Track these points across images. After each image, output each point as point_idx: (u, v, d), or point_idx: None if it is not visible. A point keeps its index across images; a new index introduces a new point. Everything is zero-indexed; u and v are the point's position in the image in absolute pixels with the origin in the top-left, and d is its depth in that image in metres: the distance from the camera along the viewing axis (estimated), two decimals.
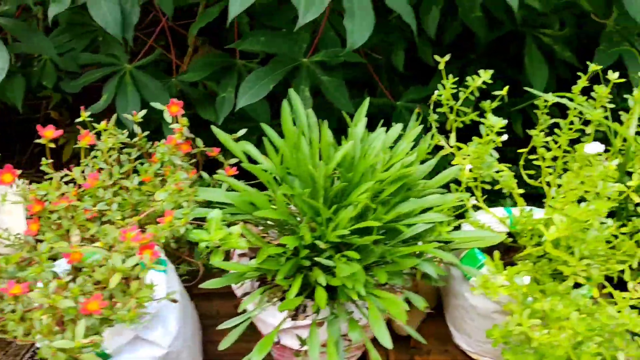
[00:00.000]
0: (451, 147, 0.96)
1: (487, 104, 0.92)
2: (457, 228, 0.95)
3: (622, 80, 0.96)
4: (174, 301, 0.81)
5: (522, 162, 1.03)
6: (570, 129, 0.92)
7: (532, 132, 1.00)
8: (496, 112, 0.94)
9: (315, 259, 0.83)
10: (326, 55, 1.21)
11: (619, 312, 0.78)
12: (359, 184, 0.84)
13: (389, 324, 1.08)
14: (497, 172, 0.96)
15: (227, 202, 0.88)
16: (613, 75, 0.89)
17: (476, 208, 0.98)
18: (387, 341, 0.80)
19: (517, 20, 1.30)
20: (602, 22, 1.38)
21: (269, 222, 0.91)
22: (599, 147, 0.79)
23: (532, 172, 1.04)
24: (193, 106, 1.37)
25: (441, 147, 1.01)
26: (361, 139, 0.94)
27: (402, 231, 0.85)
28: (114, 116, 1.00)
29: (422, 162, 0.91)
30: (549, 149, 0.97)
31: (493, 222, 0.98)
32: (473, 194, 0.97)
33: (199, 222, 0.93)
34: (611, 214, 1.02)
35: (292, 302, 0.79)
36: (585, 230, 0.83)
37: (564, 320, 0.75)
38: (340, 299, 0.84)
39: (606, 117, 0.91)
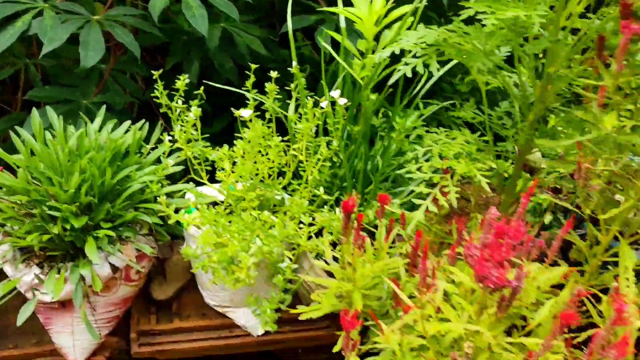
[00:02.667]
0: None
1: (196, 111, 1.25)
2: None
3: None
4: None
5: None
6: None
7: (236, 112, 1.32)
8: None
9: (49, 212, 1.07)
10: (103, 98, 1.53)
11: None
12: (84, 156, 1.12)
13: (148, 292, 1.29)
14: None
15: None
16: (273, 73, 1.26)
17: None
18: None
19: None
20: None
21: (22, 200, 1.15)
22: (249, 112, 1.13)
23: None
24: None
25: None
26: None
27: (121, 191, 1.12)
28: None
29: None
30: None
31: (214, 192, 1.27)
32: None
33: None
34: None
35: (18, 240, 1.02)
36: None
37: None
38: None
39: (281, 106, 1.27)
